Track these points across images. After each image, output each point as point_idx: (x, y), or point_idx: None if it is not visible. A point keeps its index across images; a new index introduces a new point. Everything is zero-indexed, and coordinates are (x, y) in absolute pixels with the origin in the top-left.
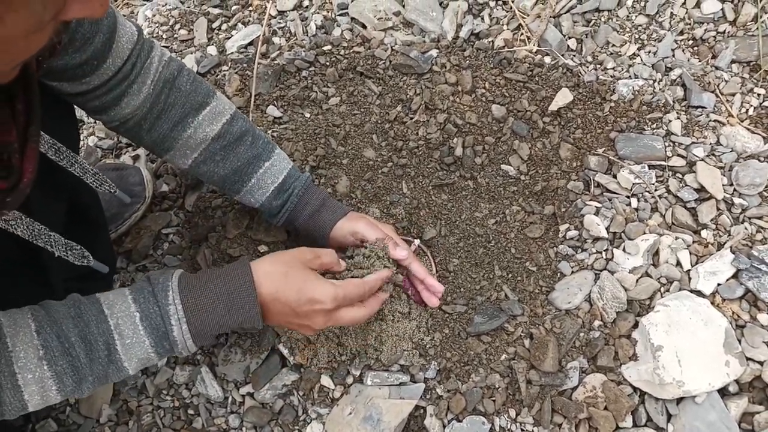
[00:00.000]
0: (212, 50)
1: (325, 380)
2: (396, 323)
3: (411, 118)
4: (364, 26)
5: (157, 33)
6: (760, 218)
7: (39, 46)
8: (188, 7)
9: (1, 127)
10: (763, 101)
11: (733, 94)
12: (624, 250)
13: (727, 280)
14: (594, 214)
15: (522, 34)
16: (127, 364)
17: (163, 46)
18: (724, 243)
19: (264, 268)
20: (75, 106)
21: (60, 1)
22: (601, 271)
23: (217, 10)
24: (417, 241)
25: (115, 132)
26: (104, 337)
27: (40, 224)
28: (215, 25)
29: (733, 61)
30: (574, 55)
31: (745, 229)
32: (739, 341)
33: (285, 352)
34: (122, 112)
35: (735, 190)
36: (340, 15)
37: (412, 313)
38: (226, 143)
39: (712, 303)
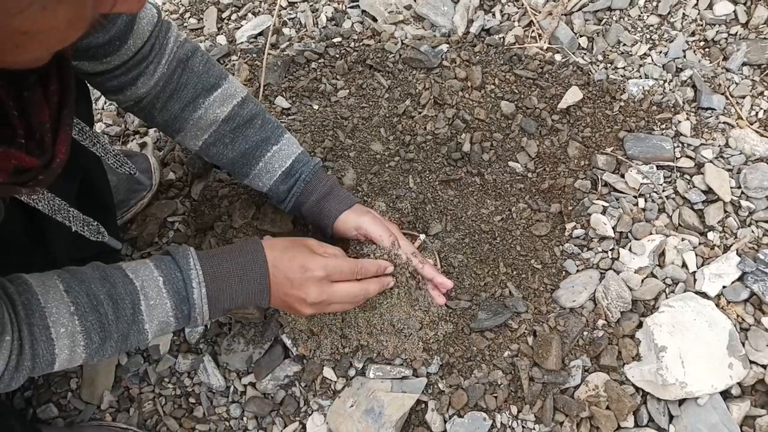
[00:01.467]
0: (222, 40)
1: (328, 372)
2: (401, 318)
3: (419, 113)
4: (374, 19)
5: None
6: (766, 221)
7: (78, 35)
8: None
9: (35, 107)
10: None
11: (743, 97)
12: (630, 249)
13: (733, 282)
14: (601, 213)
15: (533, 31)
16: (148, 326)
17: None
18: (731, 245)
19: (270, 242)
20: (90, 87)
21: None
22: (606, 270)
23: (227, 0)
24: (422, 236)
25: (129, 112)
26: (130, 297)
27: (61, 199)
28: (225, 14)
29: (744, 64)
30: (585, 54)
31: (752, 232)
32: (743, 344)
33: (288, 343)
34: (138, 92)
35: (743, 192)
36: (351, 7)
37: (417, 307)
38: (236, 125)
39: (717, 305)
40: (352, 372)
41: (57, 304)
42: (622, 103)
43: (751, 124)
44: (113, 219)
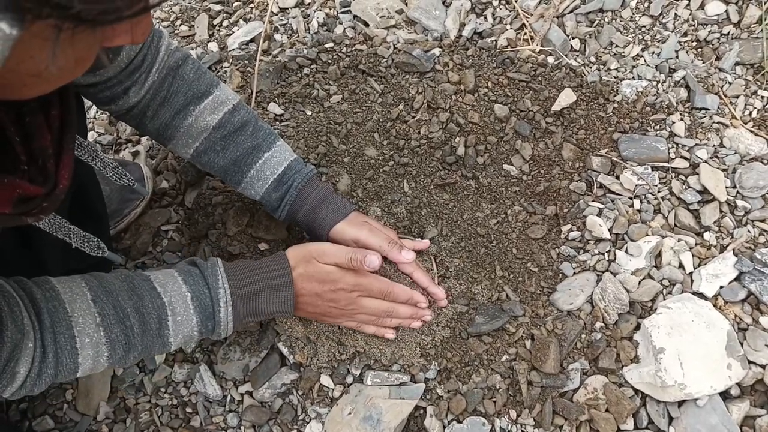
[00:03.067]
0: (213, 47)
1: (325, 379)
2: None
3: (413, 117)
4: (366, 24)
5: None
6: (763, 221)
7: (81, 72)
8: (189, 3)
9: (37, 132)
10: (767, 103)
11: (737, 97)
12: (626, 251)
13: (730, 282)
14: (596, 215)
15: (525, 33)
16: (173, 340)
17: None
18: (727, 245)
19: (295, 254)
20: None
21: (108, 31)
22: (603, 272)
23: (218, 6)
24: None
25: (120, 120)
26: (158, 312)
27: (61, 217)
28: (216, 21)
29: (737, 63)
30: (578, 56)
31: (748, 231)
32: (741, 344)
33: (284, 350)
34: (129, 101)
35: (738, 192)
36: (342, 12)
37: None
38: (227, 133)
39: (715, 305)
40: (349, 379)
41: (84, 313)
42: (616, 105)
43: (745, 124)
44: (106, 229)
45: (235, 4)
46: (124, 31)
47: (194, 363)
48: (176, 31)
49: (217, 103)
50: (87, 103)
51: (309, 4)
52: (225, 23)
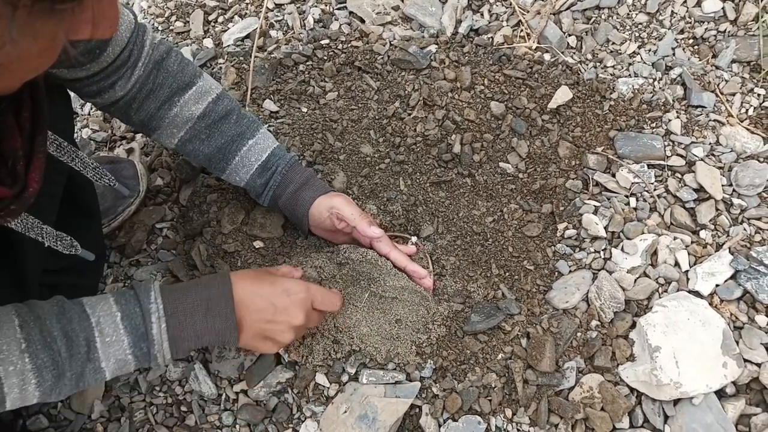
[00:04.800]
0: (208, 43)
1: (320, 378)
2: (394, 322)
3: (409, 114)
4: (362, 20)
5: (153, 25)
6: (759, 219)
7: (49, 64)
8: None
9: (6, 133)
10: (763, 101)
11: (733, 94)
12: (622, 249)
13: (726, 281)
14: (592, 213)
15: (522, 30)
16: (104, 365)
17: None
18: (723, 244)
19: (239, 275)
20: (70, 93)
21: (68, 23)
22: (599, 270)
23: (213, 2)
24: (414, 239)
25: (105, 112)
26: (85, 333)
27: (34, 217)
28: (212, 17)
29: (733, 61)
30: (574, 53)
31: (744, 230)
32: (737, 343)
33: (280, 349)
34: (116, 95)
35: (734, 190)
36: (338, 9)
37: (410, 312)
38: (211, 122)
39: (710, 304)
40: (345, 377)
41: (8, 340)
42: (612, 102)
43: (742, 122)
44: (98, 224)
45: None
46: (85, 21)
47: (189, 361)
48: (171, 27)
49: (201, 93)
50: (81, 100)
51: (305, 0)
52: (220, 19)
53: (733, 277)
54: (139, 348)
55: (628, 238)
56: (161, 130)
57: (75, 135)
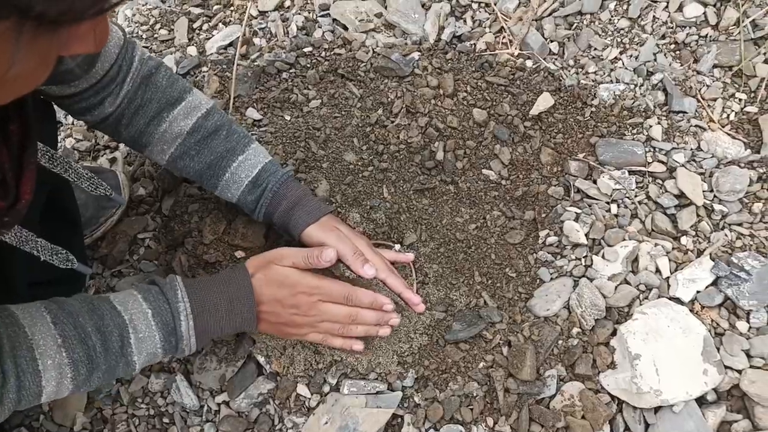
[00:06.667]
0: (192, 51)
1: (302, 389)
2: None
3: (392, 122)
4: (345, 28)
5: (137, 33)
6: (740, 225)
7: (41, 80)
8: (169, 7)
9: None
10: (745, 106)
11: (715, 99)
12: (603, 256)
13: (707, 287)
14: (574, 220)
15: (504, 37)
16: (136, 358)
17: (143, 47)
18: (704, 250)
19: (254, 264)
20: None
21: (63, 40)
22: (580, 277)
23: (198, 10)
24: (397, 247)
25: (95, 129)
26: (119, 330)
27: (28, 231)
28: (196, 25)
29: (714, 66)
30: (556, 59)
31: (725, 235)
32: (718, 349)
33: (261, 360)
34: (105, 111)
35: (715, 196)
36: (321, 16)
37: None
38: (201, 137)
39: (691, 310)
40: (326, 388)
41: (44, 336)
42: (594, 109)
43: (723, 127)
44: (80, 237)
45: (215, 7)
46: (80, 37)
47: (171, 373)
48: (156, 35)
49: (190, 109)
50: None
51: (288, 7)
52: (205, 27)
53: (714, 283)
54: (168, 342)
55: (608, 245)
56: (152, 146)
57: (59, 145)
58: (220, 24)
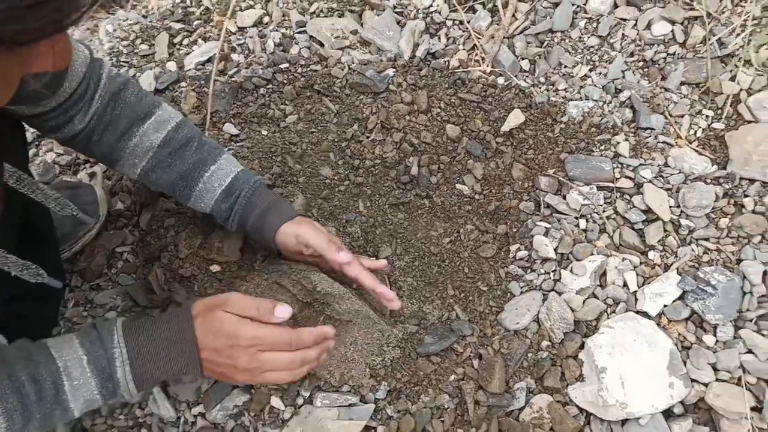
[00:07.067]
0: (172, 66)
1: (275, 401)
2: (349, 345)
3: (367, 137)
4: (321, 44)
5: (118, 48)
6: (707, 240)
7: (4, 101)
8: (150, 22)
9: None
10: (711, 123)
11: (682, 116)
12: (571, 271)
13: (674, 301)
14: (543, 234)
15: (477, 54)
16: (73, 405)
17: (123, 61)
18: (671, 264)
19: (197, 308)
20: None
21: (23, 59)
22: (549, 291)
23: (179, 25)
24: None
25: (66, 146)
26: (53, 377)
27: None
28: (177, 40)
29: (682, 83)
30: (527, 76)
31: (692, 250)
32: (685, 363)
33: None
34: (75, 128)
35: (682, 211)
36: (298, 33)
37: (364, 335)
38: (172, 149)
39: (659, 324)
40: (300, 400)
41: None
42: (563, 125)
43: (690, 143)
44: (56, 250)
45: (196, 22)
46: (42, 54)
47: None
48: (136, 50)
49: (160, 122)
50: None
51: (267, 24)
52: (185, 42)
53: (681, 297)
54: (105, 388)
55: (577, 260)
56: (123, 161)
57: (39, 159)
58: (200, 39)
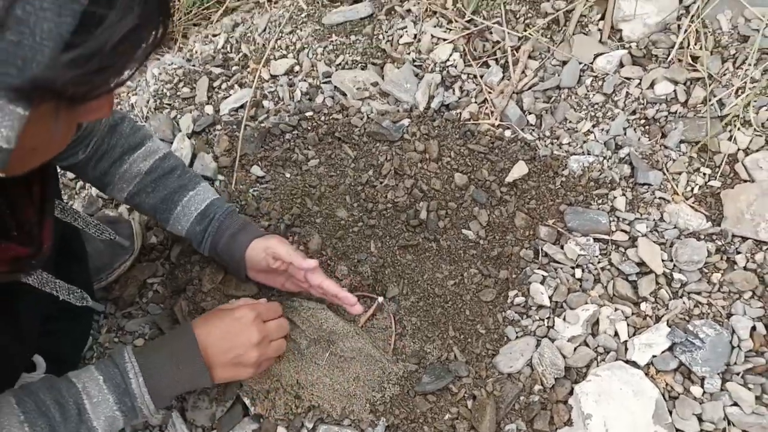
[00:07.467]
0: (209, 109)
1: (281, 431)
2: (351, 380)
3: (381, 182)
4: (344, 94)
5: (162, 90)
6: (698, 293)
7: (62, 147)
8: (193, 66)
9: (22, 205)
10: (708, 180)
11: (680, 173)
12: (564, 319)
13: (663, 352)
14: (540, 282)
15: (487, 108)
16: (96, 424)
17: (166, 104)
18: (662, 316)
19: (198, 321)
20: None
21: (86, 110)
22: (542, 338)
23: (219, 70)
24: (380, 299)
25: (65, 170)
26: (74, 398)
27: (47, 273)
28: (216, 84)
29: (681, 141)
30: (534, 130)
31: (683, 303)
32: (671, 412)
33: (247, 402)
34: (77, 158)
35: (675, 265)
36: (324, 83)
37: (367, 371)
38: (157, 176)
39: (647, 374)
40: (303, 431)
41: (8, 416)
42: (564, 178)
43: (687, 199)
44: (87, 274)
45: (234, 68)
46: (100, 106)
47: (169, 409)
48: (178, 93)
49: (149, 152)
50: None
51: (297, 73)
52: (224, 86)
53: (670, 348)
54: (123, 403)
55: (570, 308)
56: (113, 185)
57: (84, 193)
58: (236, 85)
